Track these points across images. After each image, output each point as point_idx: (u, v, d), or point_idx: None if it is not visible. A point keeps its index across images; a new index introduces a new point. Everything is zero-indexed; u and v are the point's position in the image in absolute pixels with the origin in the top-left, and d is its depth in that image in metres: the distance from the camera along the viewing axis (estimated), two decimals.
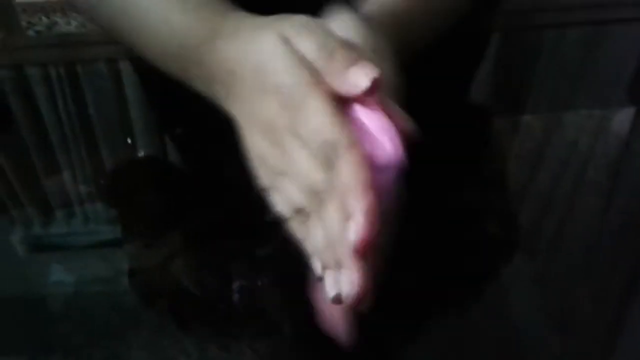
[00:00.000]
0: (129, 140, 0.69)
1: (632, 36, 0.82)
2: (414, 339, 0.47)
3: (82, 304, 0.51)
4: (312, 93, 0.37)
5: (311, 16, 0.40)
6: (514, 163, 0.66)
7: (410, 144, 0.37)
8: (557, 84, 0.77)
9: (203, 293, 0.50)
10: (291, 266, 0.51)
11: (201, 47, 0.43)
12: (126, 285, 0.52)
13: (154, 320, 0.49)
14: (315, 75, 0.37)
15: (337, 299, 0.35)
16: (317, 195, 0.37)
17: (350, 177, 0.34)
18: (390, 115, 0.37)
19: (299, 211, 0.38)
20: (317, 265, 0.38)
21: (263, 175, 0.40)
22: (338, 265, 0.35)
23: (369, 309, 0.35)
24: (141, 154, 0.66)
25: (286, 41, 0.38)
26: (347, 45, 0.38)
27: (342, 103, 0.37)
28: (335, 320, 0.37)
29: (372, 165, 0.35)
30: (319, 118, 0.36)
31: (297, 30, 0.39)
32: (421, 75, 0.45)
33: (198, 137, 0.65)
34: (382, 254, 0.37)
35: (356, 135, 0.36)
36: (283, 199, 0.39)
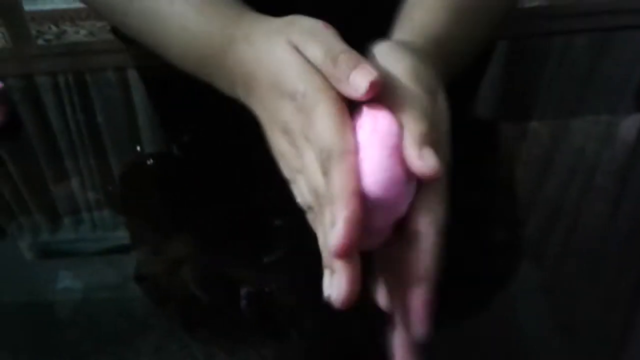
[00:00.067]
0: (139, 148, 0.69)
1: (638, 42, 0.82)
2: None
3: (90, 310, 0.51)
4: (322, 98, 0.37)
5: (318, 18, 0.41)
6: (521, 169, 0.66)
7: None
8: (564, 91, 0.77)
9: (211, 299, 0.50)
10: (298, 272, 0.51)
11: (220, 53, 0.45)
12: (134, 291, 0.53)
13: (161, 326, 0.49)
14: (326, 81, 0.38)
15: (330, 301, 0.35)
16: (319, 198, 0.38)
17: (338, 184, 0.35)
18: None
19: (310, 208, 0.40)
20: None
21: (284, 170, 0.42)
22: (331, 268, 0.36)
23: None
24: (149, 161, 0.66)
25: (295, 47, 0.40)
26: (349, 49, 0.38)
27: (354, 108, 0.38)
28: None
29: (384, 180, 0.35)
30: (322, 123, 0.37)
31: (304, 37, 0.40)
32: None
33: (205, 144, 0.65)
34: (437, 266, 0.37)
35: (357, 143, 0.36)
36: (299, 194, 0.41)
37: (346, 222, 0.34)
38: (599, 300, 0.51)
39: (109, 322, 0.50)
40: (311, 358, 0.48)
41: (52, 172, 0.67)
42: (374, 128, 0.37)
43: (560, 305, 0.51)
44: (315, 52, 0.39)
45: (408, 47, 0.42)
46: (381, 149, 0.36)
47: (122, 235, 0.59)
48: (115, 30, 0.78)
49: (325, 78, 0.38)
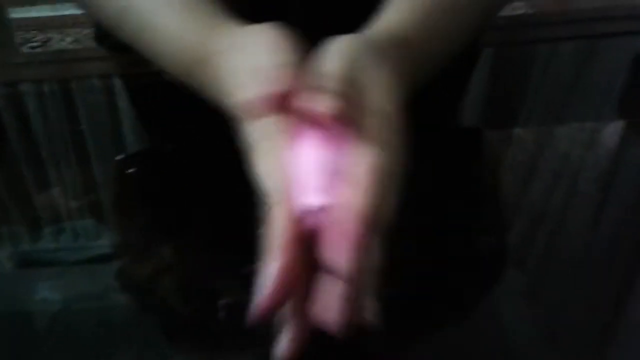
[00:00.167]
0: (121, 157, 0.69)
1: (623, 50, 0.83)
2: (404, 353, 0.47)
3: (69, 320, 0.51)
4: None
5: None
6: (506, 175, 0.66)
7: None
8: (548, 97, 0.77)
9: (191, 309, 0.50)
10: None
11: (209, 63, 0.44)
12: (115, 301, 0.52)
13: (142, 337, 0.49)
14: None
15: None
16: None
17: (272, 233, 0.35)
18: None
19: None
20: None
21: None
22: None
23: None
24: (132, 170, 0.65)
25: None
26: (289, 64, 0.39)
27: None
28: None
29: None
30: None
31: (264, 47, 0.40)
32: None
33: (188, 153, 0.65)
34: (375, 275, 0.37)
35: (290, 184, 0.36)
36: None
37: (273, 280, 0.34)
38: (583, 306, 0.51)
39: (88, 332, 0.49)
40: None
41: (36, 180, 0.66)
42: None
43: (544, 311, 0.52)
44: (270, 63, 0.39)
45: (371, 44, 0.41)
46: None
47: (102, 245, 0.59)
48: (99, 39, 0.78)
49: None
